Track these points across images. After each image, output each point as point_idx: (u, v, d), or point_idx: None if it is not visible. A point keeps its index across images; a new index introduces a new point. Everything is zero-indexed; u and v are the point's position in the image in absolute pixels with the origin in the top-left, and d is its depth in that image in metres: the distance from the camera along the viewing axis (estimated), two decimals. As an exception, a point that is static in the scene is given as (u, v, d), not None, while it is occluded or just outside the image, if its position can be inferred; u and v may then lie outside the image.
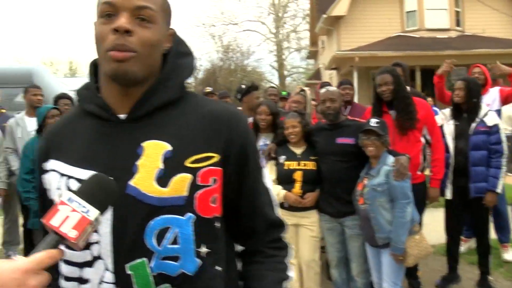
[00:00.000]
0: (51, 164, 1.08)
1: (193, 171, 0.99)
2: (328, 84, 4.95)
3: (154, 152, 0.99)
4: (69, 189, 0.99)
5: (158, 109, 1.04)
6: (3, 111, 5.36)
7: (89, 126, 1.06)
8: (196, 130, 1.03)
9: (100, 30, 0.99)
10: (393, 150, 3.19)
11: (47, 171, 1.09)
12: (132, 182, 0.97)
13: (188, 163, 0.99)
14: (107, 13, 0.98)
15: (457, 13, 15.22)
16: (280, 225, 1.16)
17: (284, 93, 5.99)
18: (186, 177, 0.98)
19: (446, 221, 4.02)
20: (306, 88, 4.99)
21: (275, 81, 29.46)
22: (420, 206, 3.35)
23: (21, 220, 5.00)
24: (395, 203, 2.99)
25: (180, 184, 0.98)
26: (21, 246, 5.07)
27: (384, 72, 3.58)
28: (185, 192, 0.98)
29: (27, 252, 4.70)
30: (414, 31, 14.95)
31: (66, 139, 1.08)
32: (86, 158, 1.02)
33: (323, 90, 3.49)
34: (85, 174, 0.98)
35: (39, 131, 4.23)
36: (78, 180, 1.00)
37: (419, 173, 3.54)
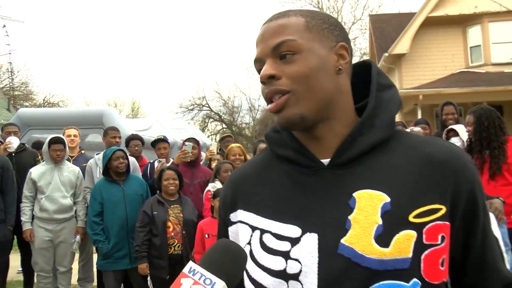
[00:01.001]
0: (239, 215, 0.96)
1: (418, 227, 0.82)
2: (402, 124, 4.83)
3: (369, 205, 0.83)
4: (264, 245, 0.89)
5: (366, 152, 0.88)
6: (83, 151, 5.61)
7: (283, 172, 0.94)
8: (415, 177, 0.85)
9: (261, 87, 0.92)
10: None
11: (234, 222, 0.98)
12: (345, 241, 0.82)
13: (412, 218, 0.82)
14: (259, 69, 0.92)
15: (526, 45, 14.64)
16: None
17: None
18: (411, 234, 0.81)
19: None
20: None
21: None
22: (518, 254, 3.11)
23: (95, 258, 5.13)
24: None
25: (404, 243, 0.81)
26: (95, 283, 5.19)
27: (469, 113, 3.48)
28: (410, 253, 0.81)
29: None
30: (479, 66, 14.45)
31: (256, 187, 0.97)
32: (284, 210, 0.89)
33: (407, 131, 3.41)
34: (285, 228, 0.87)
35: (105, 172, 4.37)
36: (276, 235, 0.88)
37: (512, 217, 3.29)
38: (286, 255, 0.85)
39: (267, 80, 0.88)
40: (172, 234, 4.05)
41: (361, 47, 26.74)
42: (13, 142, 5.07)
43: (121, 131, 6.62)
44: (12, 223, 4.58)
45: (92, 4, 70.80)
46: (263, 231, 0.90)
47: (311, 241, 0.84)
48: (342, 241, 0.82)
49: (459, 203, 0.86)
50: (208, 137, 15.96)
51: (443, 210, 0.84)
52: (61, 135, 4.87)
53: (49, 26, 60.45)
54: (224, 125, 31.54)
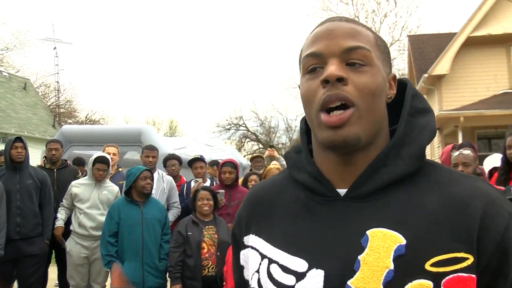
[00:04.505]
0: (251, 239, 0.90)
1: (435, 277, 0.71)
2: (461, 146, 4.69)
3: (381, 245, 0.74)
4: (271, 276, 0.82)
5: (388, 186, 0.79)
6: (120, 169, 5.69)
7: (298, 198, 0.87)
8: (439, 219, 0.75)
9: (306, 88, 0.82)
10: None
11: (246, 246, 0.91)
12: (351, 283, 0.74)
13: (428, 266, 0.72)
14: (313, 67, 0.82)
15: None
16: None
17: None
18: (426, 285, 0.71)
19: None
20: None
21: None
22: None
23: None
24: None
25: None
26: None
27: (509, 134, 3.29)
28: None
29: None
30: (524, 87, 13.98)
31: (269, 210, 0.90)
32: (292, 240, 0.82)
33: (456, 153, 3.25)
34: (291, 261, 0.80)
35: (127, 192, 4.24)
36: (282, 267, 0.81)
37: None
38: None
39: (334, 82, 0.77)
40: (207, 255, 4.00)
41: (399, 68, 26.42)
42: None
43: (159, 149, 6.70)
44: (48, 236, 4.66)
45: (132, 26, 73.17)
46: (271, 261, 0.84)
47: (317, 278, 0.77)
48: (349, 282, 0.74)
49: (488, 254, 0.73)
50: (244, 156, 16.00)
51: (469, 260, 0.72)
52: (106, 155, 4.93)
53: (93, 47, 62.78)
54: (260, 145, 31.59)
